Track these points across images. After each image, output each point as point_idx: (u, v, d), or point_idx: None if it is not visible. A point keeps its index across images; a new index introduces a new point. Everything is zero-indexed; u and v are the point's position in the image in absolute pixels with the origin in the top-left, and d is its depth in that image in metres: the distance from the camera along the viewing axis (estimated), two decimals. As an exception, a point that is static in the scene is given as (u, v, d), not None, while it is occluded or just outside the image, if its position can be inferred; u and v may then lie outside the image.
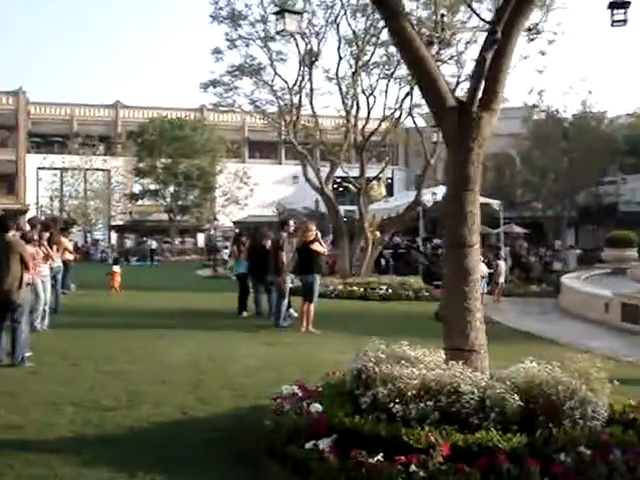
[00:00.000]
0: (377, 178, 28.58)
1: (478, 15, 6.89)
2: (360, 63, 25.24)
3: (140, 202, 62.03)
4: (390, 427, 5.24)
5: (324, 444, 5.26)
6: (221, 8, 25.71)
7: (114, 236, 63.83)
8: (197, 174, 58.32)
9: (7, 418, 7.12)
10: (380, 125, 27.59)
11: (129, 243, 55.69)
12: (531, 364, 5.82)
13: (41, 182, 61.98)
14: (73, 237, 39.76)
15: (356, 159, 28.40)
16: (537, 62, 70.46)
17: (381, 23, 18.95)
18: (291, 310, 15.35)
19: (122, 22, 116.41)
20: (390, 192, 46.73)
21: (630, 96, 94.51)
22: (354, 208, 28.48)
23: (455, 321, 6.32)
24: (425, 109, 22.49)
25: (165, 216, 60.31)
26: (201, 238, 64.21)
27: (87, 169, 59.79)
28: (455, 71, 24.51)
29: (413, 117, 27.11)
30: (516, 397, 5.37)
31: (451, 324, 6.38)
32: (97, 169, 60.55)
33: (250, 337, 13.19)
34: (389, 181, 52.71)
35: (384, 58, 25.65)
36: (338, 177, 30.88)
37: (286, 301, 14.85)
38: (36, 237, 12.93)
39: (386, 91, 26.40)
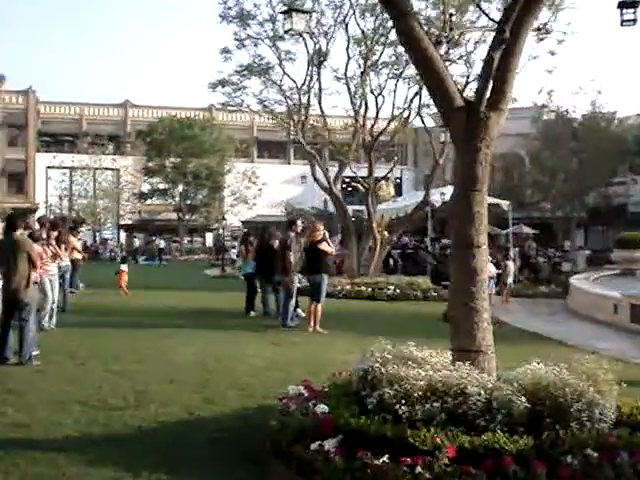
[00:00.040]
0: (385, 178, 28.54)
1: (487, 15, 6.87)
2: (369, 63, 25.20)
3: (149, 201, 62.23)
4: (396, 428, 5.22)
5: (330, 445, 5.25)
6: (230, 8, 25.70)
7: (123, 235, 64.00)
8: (206, 173, 58.45)
9: (14, 416, 7.13)
10: (389, 125, 27.54)
11: (138, 242, 55.78)
12: (538, 366, 5.79)
13: (50, 181, 62.25)
14: (82, 236, 39.93)
15: (365, 159, 28.36)
16: (546, 62, 70.29)
17: (390, 23, 18.90)
18: (299, 310, 15.35)
19: (133, 21, 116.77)
20: (399, 192, 46.70)
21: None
22: (362, 208, 28.44)
23: (462, 322, 6.29)
24: (434, 109, 22.42)
25: (174, 215, 60.47)
26: (209, 238, 64.35)
27: (96, 168, 60.01)
28: (464, 71, 24.47)
29: (422, 117, 27.06)
30: (523, 399, 5.34)
31: (458, 325, 6.36)
32: (106, 168, 60.77)
33: (257, 337, 13.18)
34: (398, 181, 52.66)
35: (393, 58, 25.57)
36: (347, 177, 30.86)
37: (293, 301, 14.84)
38: (44, 236, 12.96)
39: (395, 91, 26.36)
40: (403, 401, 5.48)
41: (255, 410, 7.39)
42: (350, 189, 34.05)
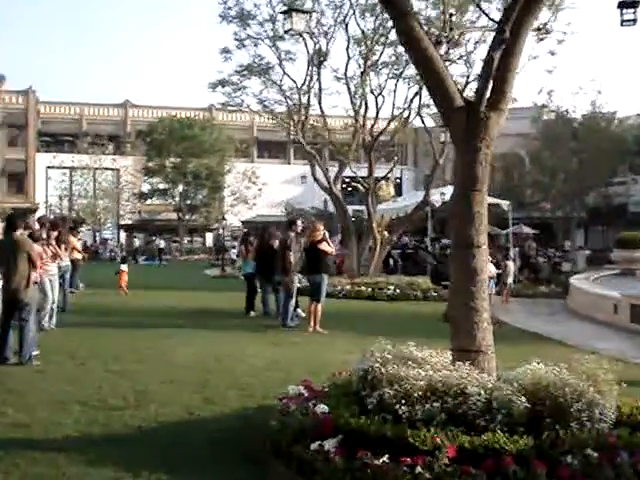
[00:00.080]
0: (385, 178, 28.53)
1: (487, 15, 6.87)
2: (369, 63, 25.19)
3: (149, 201, 62.23)
4: (396, 428, 5.22)
5: (330, 445, 5.25)
6: (230, 8, 25.69)
7: (123, 235, 64.00)
8: (206, 173, 58.46)
9: (14, 416, 7.13)
10: (389, 125, 27.53)
11: (137, 242, 55.80)
12: (538, 366, 5.79)
13: (50, 181, 62.26)
14: (82, 236, 39.93)
15: (365, 159, 28.35)
16: (547, 62, 70.28)
17: (390, 23, 18.91)
18: (299, 310, 15.35)
19: (133, 21, 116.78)
20: (399, 192, 46.70)
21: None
22: (362, 208, 28.45)
23: (462, 322, 6.29)
24: (434, 109, 22.42)
25: (174, 215, 60.47)
26: (210, 238, 64.33)
27: (96, 168, 60.02)
28: (464, 71, 24.47)
29: (422, 117, 27.06)
30: (523, 399, 5.34)
31: (458, 325, 6.36)
32: (106, 168, 60.78)
33: (257, 337, 13.18)
34: (398, 181, 52.67)
35: (393, 58, 25.56)
36: (347, 177, 30.86)
37: (293, 301, 14.84)
38: (44, 236, 12.96)
39: (395, 91, 26.35)
40: (403, 401, 5.47)
41: (255, 410, 7.38)
42: (350, 189, 34.04)
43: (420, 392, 5.52)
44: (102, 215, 60.97)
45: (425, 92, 22.36)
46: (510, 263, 22.74)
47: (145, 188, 62.54)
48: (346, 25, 25.08)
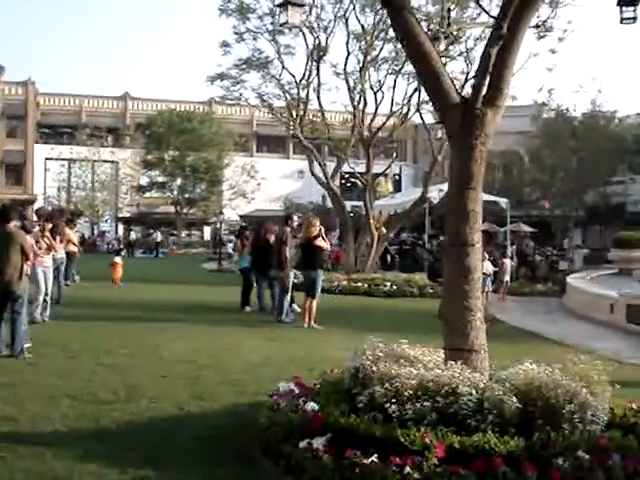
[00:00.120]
0: (384, 174, 28.46)
1: (485, 10, 6.80)
2: (368, 58, 25.15)
3: (147, 194, 62.12)
4: (385, 427, 5.16)
5: (318, 443, 5.19)
6: (229, 1, 25.63)
7: (121, 228, 63.91)
8: (204, 167, 58.39)
9: (3, 410, 7.06)
10: (387, 121, 27.46)
11: (134, 235, 55.64)
12: (531, 366, 5.73)
13: (49, 173, 62.19)
14: (80, 228, 39.89)
15: (364, 154, 28.30)
16: (547, 60, 70.25)
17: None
18: (294, 305, 15.30)
19: (133, 14, 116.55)
20: (398, 188, 46.70)
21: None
22: (361, 204, 28.41)
23: (455, 320, 6.24)
24: (433, 105, 22.34)
25: (172, 209, 60.41)
26: (207, 231, 64.26)
27: (95, 160, 59.93)
28: (464, 68, 24.40)
29: (421, 113, 26.99)
30: (514, 399, 5.28)
31: (451, 323, 6.30)
32: (105, 161, 60.69)
33: (252, 332, 13.13)
34: (397, 177, 52.68)
35: (393, 54, 25.54)
36: (345, 173, 30.81)
37: (289, 296, 14.79)
38: (37, 228, 12.89)
39: (394, 87, 26.33)
40: (394, 400, 5.42)
41: (246, 406, 7.32)
42: (349, 184, 34.01)
43: (411, 391, 5.46)
44: (100, 208, 60.87)
45: (424, 88, 22.25)
46: (507, 261, 22.75)
47: (143, 181, 62.41)
48: (346, 20, 25.05)
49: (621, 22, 10.34)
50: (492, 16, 6.54)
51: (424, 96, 24.74)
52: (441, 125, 22.21)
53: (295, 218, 15.49)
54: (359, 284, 21.69)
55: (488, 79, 6.30)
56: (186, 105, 63.24)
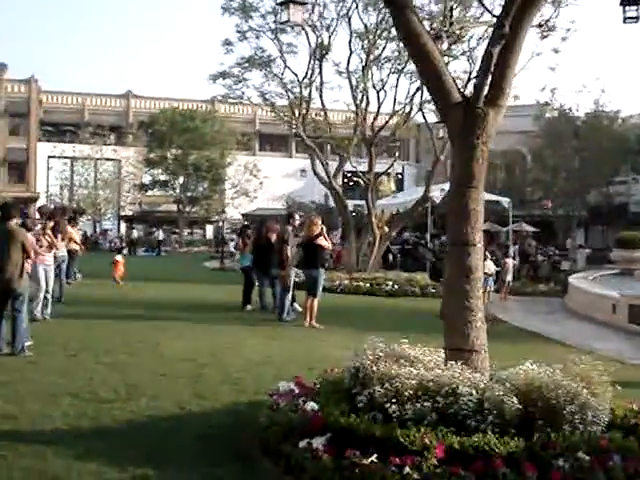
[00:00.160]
0: (386, 173, 28.43)
1: (486, 8, 6.79)
2: (371, 57, 25.12)
3: (150, 193, 62.05)
4: (385, 428, 5.15)
5: (318, 443, 5.18)
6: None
7: (123, 226, 63.89)
8: (207, 166, 58.29)
9: (3, 408, 7.07)
10: (390, 120, 27.44)
11: (136, 233, 55.56)
12: (531, 366, 5.72)
13: (51, 171, 62.14)
14: (82, 226, 39.89)
15: (366, 153, 28.27)
16: (550, 59, 70.21)
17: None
18: (295, 304, 15.29)
19: (136, 12, 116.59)
20: (400, 187, 46.65)
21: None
22: (363, 203, 28.39)
23: (456, 320, 6.22)
24: (436, 104, 22.29)
25: (174, 207, 60.35)
26: (210, 230, 64.23)
27: (97, 159, 59.88)
28: (467, 67, 24.36)
29: (423, 112, 26.97)
30: (515, 400, 5.27)
31: (452, 323, 6.29)
32: (107, 159, 60.65)
33: (253, 331, 13.12)
34: (399, 176, 52.62)
35: (395, 53, 25.48)
36: (348, 172, 30.79)
37: (290, 295, 14.78)
38: (39, 226, 12.89)
39: (397, 86, 26.32)
40: (394, 400, 5.41)
41: (246, 406, 7.32)
42: (352, 184, 33.99)
43: (411, 391, 5.45)
44: (102, 206, 60.79)
45: (427, 87, 22.22)
46: (509, 261, 22.72)
47: (146, 179, 62.35)
48: (349, 19, 25.03)
49: (624, 21, 10.31)
50: (494, 15, 6.52)
51: (426, 95, 24.71)
52: (443, 124, 22.28)
53: (297, 217, 15.48)
54: (361, 283, 21.67)
55: (490, 78, 6.28)
56: (189, 103, 63.15)
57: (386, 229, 25.93)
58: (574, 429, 5.22)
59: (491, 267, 19.46)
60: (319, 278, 14.12)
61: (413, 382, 5.51)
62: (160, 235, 53.38)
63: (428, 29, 6.69)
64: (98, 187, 60.34)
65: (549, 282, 25.31)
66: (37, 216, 13.64)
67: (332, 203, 34.33)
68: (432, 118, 28.33)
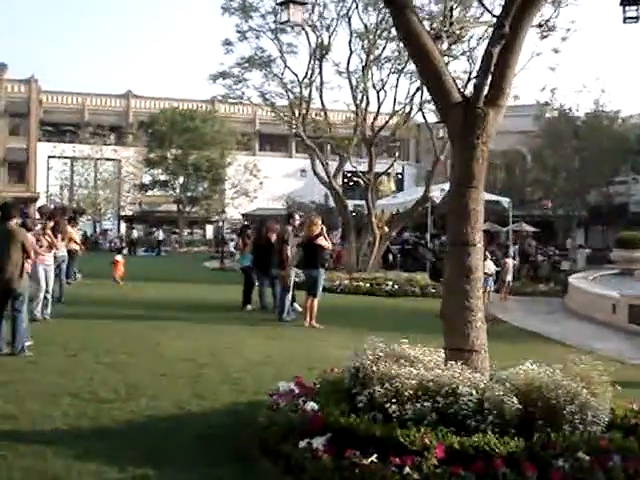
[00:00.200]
0: (386, 173, 28.41)
1: (486, 8, 6.79)
2: (371, 57, 25.12)
3: (150, 193, 62.05)
4: (385, 428, 5.14)
5: (318, 443, 5.18)
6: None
7: (123, 226, 63.88)
8: (207, 166, 58.28)
9: (3, 408, 7.06)
10: (390, 120, 27.43)
11: (135, 233, 55.54)
12: (531, 366, 5.71)
13: (51, 171, 62.14)
14: (82, 226, 39.88)
15: (366, 154, 28.28)
16: (550, 60, 70.22)
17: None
18: (295, 304, 15.28)
19: (136, 11, 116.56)
20: (400, 187, 46.64)
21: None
22: (363, 203, 28.39)
23: (456, 320, 6.22)
24: (436, 105, 22.26)
25: (174, 207, 60.35)
26: (210, 230, 64.23)
27: (97, 159, 59.88)
28: (467, 67, 24.35)
29: (423, 112, 26.97)
30: (515, 400, 5.27)
31: (452, 323, 6.28)
32: (107, 159, 60.66)
33: (253, 331, 13.12)
34: (399, 177, 52.61)
35: (395, 53, 25.48)
36: (348, 172, 30.78)
37: (290, 295, 14.77)
38: (39, 226, 12.88)
39: (397, 86, 26.31)
40: (394, 400, 5.40)
41: (246, 406, 7.31)
42: (352, 184, 33.98)
43: (411, 391, 5.45)
44: (103, 206, 60.79)
45: (427, 88, 22.22)
46: (509, 261, 22.71)
47: (146, 179, 62.34)
48: (349, 19, 25.03)
49: (624, 21, 10.31)
50: (494, 15, 6.52)
51: (426, 95, 24.70)
52: (443, 124, 22.29)
53: (296, 217, 15.48)
54: (361, 283, 21.67)
55: (490, 78, 6.28)
56: (189, 103, 63.14)
57: (386, 229, 25.93)
58: (574, 429, 5.21)
59: (491, 267, 19.46)
60: (319, 278, 14.12)
61: (413, 382, 5.50)
62: (160, 235, 53.38)
63: (428, 29, 6.67)
64: (98, 187, 60.33)
65: (549, 282, 25.31)
66: (37, 216, 13.61)
67: (332, 203, 34.33)
68: (432, 118, 28.34)
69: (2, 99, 62.64)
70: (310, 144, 26.65)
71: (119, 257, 22.61)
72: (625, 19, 10.23)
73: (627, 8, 10.22)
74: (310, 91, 26.44)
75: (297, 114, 26.68)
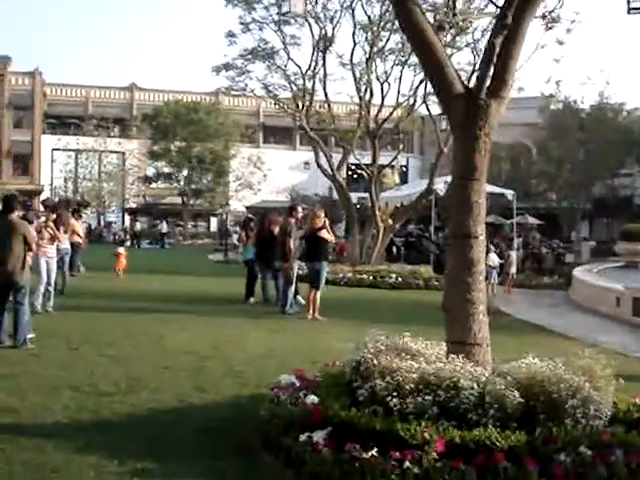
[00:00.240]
0: (390, 166, 28.33)
1: (491, 0, 6.72)
2: (375, 49, 25.02)
3: (154, 185, 62.11)
4: (386, 421, 5.11)
5: (318, 436, 5.15)
6: (236, -9, 25.53)
7: (127, 219, 63.95)
8: (211, 158, 58.32)
9: (5, 401, 7.05)
10: (394, 112, 27.34)
11: (139, 226, 55.59)
12: (533, 360, 5.67)
13: (55, 163, 62.26)
14: (86, 219, 39.94)
15: (370, 146, 28.23)
16: (554, 51, 69.82)
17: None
18: (298, 297, 15.25)
19: (139, 4, 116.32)
20: (404, 180, 46.59)
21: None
22: (367, 195, 28.33)
23: (457, 313, 6.18)
24: (439, 97, 22.17)
25: (178, 199, 60.42)
26: (214, 222, 64.27)
27: (102, 151, 59.97)
28: (471, 59, 24.24)
29: (427, 105, 26.85)
30: (516, 394, 5.23)
31: (453, 316, 6.24)
32: (111, 151, 60.76)
33: (256, 323, 13.09)
34: (403, 169, 52.55)
35: (399, 45, 25.37)
36: (352, 164, 30.71)
37: (293, 288, 14.74)
38: (42, 218, 12.86)
39: (400, 78, 26.22)
40: (395, 393, 5.36)
41: (248, 399, 7.29)
42: (355, 176, 33.93)
43: (412, 384, 5.41)
44: (107, 198, 60.94)
45: (431, 80, 22.14)
46: (513, 253, 22.67)
47: (150, 172, 62.41)
48: (352, 10, 24.93)
49: (628, 12, 10.26)
50: (497, 5, 6.46)
51: (430, 87, 24.62)
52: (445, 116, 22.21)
53: (299, 209, 15.44)
54: (364, 276, 21.64)
55: (492, 70, 6.22)
56: (192, 96, 63.14)
57: (390, 222, 25.87)
58: (576, 423, 5.18)
59: (495, 260, 19.41)
60: (322, 271, 14.10)
61: (414, 375, 5.46)
62: (164, 228, 53.43)
63: (431, 21, 6.61)
64: (102, 180, 60.46)
65: (553, 275, 25.24)
66: (41, 209, 13.61)
67: (336, 196, 34.30)
68: (436, 110, 28.17)
69: (6, 92, 62.64)
70: (314, 136, 26.59)
71: (121, 249, 22.65)
72: (629, 10, 10.17)
73: (632, -1, 10.16)
74: (313, 83, 26.38)
75: (301, 106, 26.61)
